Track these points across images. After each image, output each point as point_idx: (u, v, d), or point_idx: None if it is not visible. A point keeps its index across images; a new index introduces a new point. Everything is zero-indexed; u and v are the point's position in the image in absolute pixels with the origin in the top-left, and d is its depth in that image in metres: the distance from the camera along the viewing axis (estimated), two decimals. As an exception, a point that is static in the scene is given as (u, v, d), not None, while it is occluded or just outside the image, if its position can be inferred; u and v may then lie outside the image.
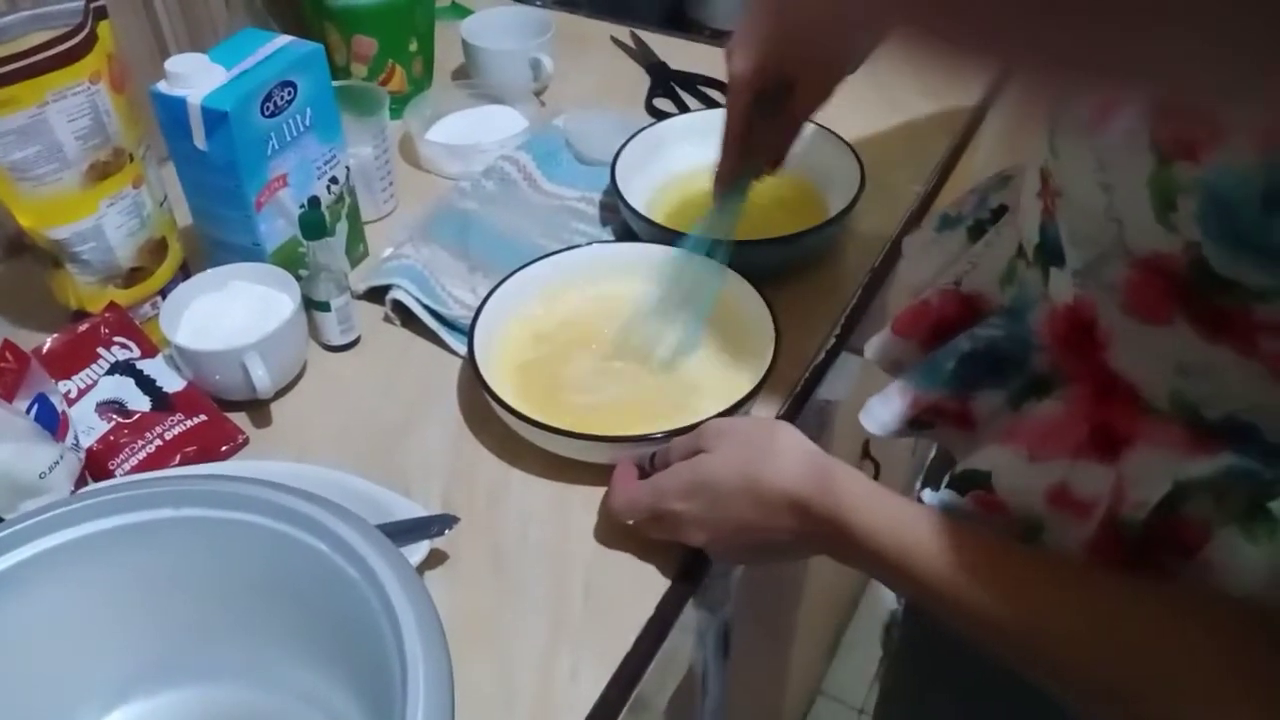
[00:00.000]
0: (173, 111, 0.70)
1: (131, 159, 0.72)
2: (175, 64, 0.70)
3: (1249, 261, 0.38)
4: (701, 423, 0.62)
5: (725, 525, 0.56)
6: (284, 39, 0.75)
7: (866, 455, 1.15)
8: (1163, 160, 0.39)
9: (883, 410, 0.57)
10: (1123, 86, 0.20)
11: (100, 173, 0.70)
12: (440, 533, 0.61)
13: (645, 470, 0.62)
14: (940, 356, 0.56)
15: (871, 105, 1.02)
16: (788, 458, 0.54)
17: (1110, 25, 0.17)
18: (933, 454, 0.74)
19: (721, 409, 0.65)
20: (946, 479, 0.53)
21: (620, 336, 0.73)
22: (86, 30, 0.68)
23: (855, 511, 0.51)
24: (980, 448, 0.52)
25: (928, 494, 0.54)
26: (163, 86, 0.70)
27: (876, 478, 1.15)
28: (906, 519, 0.50)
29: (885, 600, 1.56)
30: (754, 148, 0.71)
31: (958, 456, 0.56)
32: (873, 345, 0.64)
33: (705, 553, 0.60)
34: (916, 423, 0.57)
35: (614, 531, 0.64)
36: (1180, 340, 0.43)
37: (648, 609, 0.60)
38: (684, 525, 0.58)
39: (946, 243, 0.66)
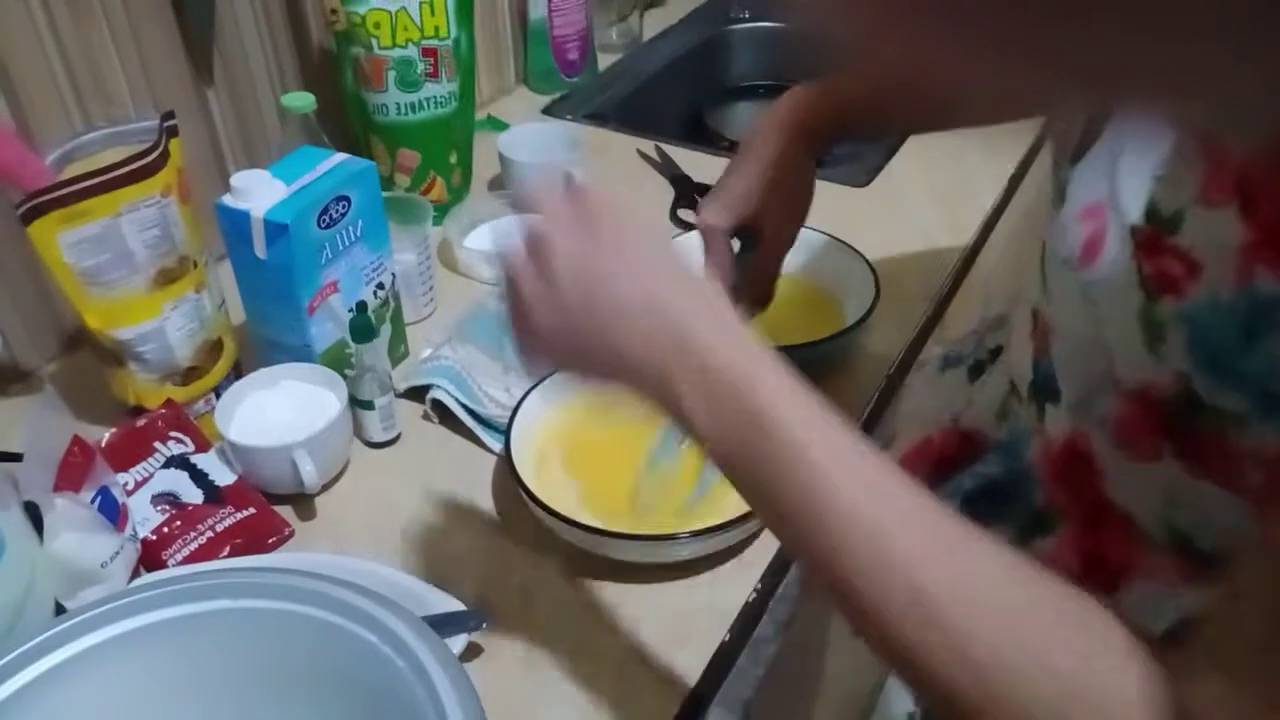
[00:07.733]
0: (236, 223, 0.75)
1: (195, 265, 0.77)
2: (240, 179, 0.75)
3: (1231, 389, 0.41)
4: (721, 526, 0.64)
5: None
6: (340, 156, 0.80)
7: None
8: (1149, 296, 0.43)
9: None
10: (1147, 103, 0.21)
11: (166, 278, 0.75)
12: (478, 627, 0.63)
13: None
14: (943, 497, 0.59)
15: (884, 217, 1.07)
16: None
17: (1138, 39, 0.18)
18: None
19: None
20: None
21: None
22: (161, 149, 0.74)
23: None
24: None
25: None
26: (228, 200, 0.75)
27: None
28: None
29: (903, 701, 1.54)
30: (737, 292, 0.76)
31: None
32: None
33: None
34: None
35: (643, 628, 0.66)
36: (1169, 475, 0.45)
37: (673, 707, 0.62)
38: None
39: (949, 379, 0.71)
